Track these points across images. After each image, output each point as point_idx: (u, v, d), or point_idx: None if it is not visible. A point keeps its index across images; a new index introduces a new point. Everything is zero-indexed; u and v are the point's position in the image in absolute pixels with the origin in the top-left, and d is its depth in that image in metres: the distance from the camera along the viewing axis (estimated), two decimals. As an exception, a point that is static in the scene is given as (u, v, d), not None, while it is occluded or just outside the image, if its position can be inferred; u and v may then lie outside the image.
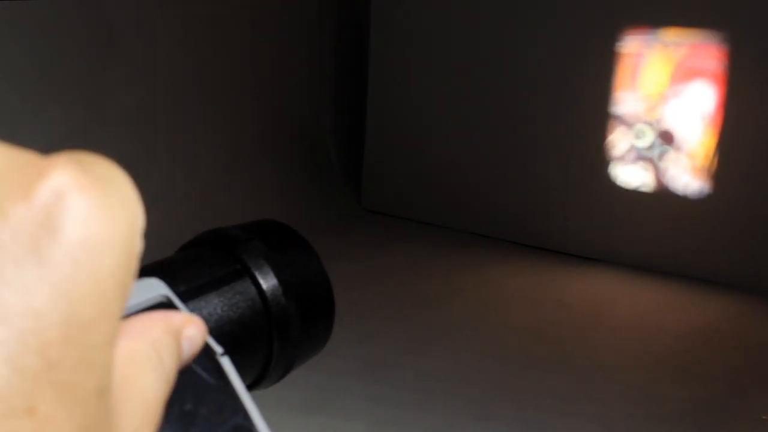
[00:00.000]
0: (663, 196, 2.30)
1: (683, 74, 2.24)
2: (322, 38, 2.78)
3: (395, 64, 2.65)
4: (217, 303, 0.33)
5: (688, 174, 2.27)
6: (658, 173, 2.31)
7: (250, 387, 0.28)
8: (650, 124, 2.31)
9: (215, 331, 0.31)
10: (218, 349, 0.28)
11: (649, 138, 2.31)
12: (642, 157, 2.32)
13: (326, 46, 2.80)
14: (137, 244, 0.19)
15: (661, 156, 2.30)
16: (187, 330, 0.24)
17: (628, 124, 2.33)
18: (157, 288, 0.28)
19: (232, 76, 2.46)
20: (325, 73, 2.80)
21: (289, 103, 2.67)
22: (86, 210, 0.18)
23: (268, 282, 0.36)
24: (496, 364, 1.76)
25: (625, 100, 2.32)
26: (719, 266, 2.23)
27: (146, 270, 0.31)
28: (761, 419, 1.59)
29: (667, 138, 2.29)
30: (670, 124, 2.28)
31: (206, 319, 0.33)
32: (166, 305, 0.28)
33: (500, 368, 1.74)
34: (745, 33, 2.13)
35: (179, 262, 0.35)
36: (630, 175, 2.34)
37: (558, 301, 2.10)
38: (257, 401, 0.28)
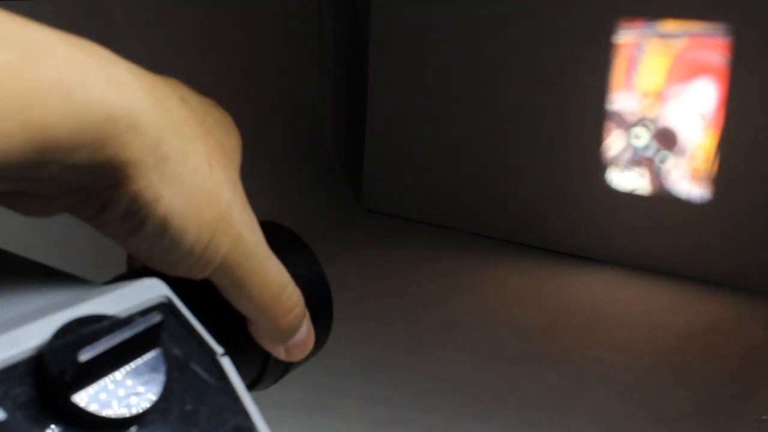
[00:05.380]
0: (662, 196, 2.30)
1: (683, 69, 2.24)
2: (322, 38, 2.78)
3: (395, 64, 2.65)
4: (214, 303, 0.34)
5: (688, 173, 2.27)
6: (657, 173, 2.31)
7: (248, 388, 0.28)
8: (649, 123, 2.31)
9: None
10: (218, 349, 0.28)
11: (647, 137, 2.31)
12: (641, 156, 2.32)
13: (326, 46, 2.80)
14: None
15: (660, 155, 2.30)
16: None
17: (627, 122, 2.33)
18: (157, 288, 0.28)
19: (232, 76, 2.46)
20: (325, 73, 2.80)
21: (288, 102, 2.67)
22: None
23: None
24: (496, 364, 1.76)
25: (623, 98, 2.32)
26: (719, 266, 2.23)
27: (145, 270, 0.31)
28: (761, 419, 1.59)
29: (666, 137, 2.29)
30: (669, 122, 2.28)
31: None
32: (166, 306, 0.28)
33: (500, 368, 1.74)
34: (749, 24, 2.11)
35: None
36: (629, 174, 2.34)
37: (558, 302, 2.11)
38: (257, 401, 0.28)
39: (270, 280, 0.34)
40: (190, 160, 0.29)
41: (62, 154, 0.25)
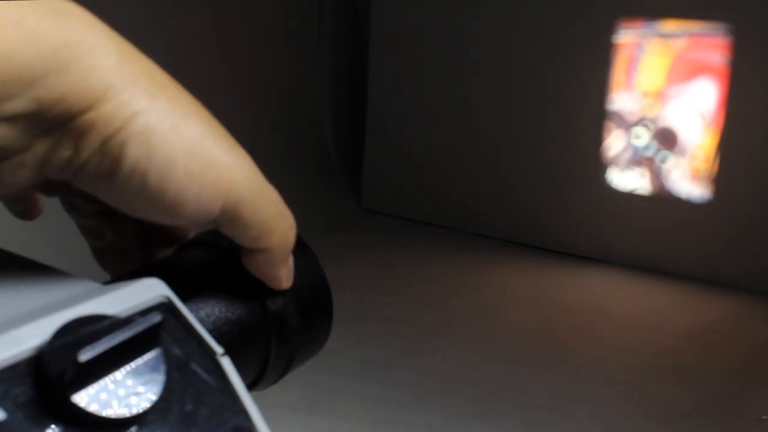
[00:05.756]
0: (663, 196, 2.30)
1: (683, 69, 2.24)
2: (322, 38, 2.78)
3: (395, 65, 2.65)
4: (215, 303, 0.34)
5: (688, 173, 2.27)
6: (657, 173, 2.31)
7: (248, 388, 0.28)
8: (649, 123, 2.31)
9: (214, 331, 0.31)
10: (218, 349, 0.28)
11: (647, 137, 2.31)
12: (641, 156, 2.32)
13: (326, 46, 2.80)
14: None
15: (660, 155, 2.30)
16: None
17: (627, 122, 2.33)
18: (157, 288, 0.28)
19: (232, 77, 2.46)
20: (325, 73, 2.80)
21: (288, 103, 2.67)
22: None
23: None
24: (496, 364, 1.76)
25: (623, 98, 2.32)
26: (719, 266, 2.23)
27: (146, 270, 0.31)
28: (761, 419, 1.59)
29: (666, 137, 2.29)
30: (669, 122, 2.28)
31: (204, 320, 0.33)
32: (166, 306, 0.28)
33: (500, 368, 1.74)
34: (749, 24, 2.11)
35: (177, 262, 0.35)
36: (629, 174, 2.34)
37: (558, 302, 2.11)
38: (257, 401, 0.28)
39: (276, 195, 0.32)
40: (156, 78, 0.29)
41: (27, 84, 0.25)
